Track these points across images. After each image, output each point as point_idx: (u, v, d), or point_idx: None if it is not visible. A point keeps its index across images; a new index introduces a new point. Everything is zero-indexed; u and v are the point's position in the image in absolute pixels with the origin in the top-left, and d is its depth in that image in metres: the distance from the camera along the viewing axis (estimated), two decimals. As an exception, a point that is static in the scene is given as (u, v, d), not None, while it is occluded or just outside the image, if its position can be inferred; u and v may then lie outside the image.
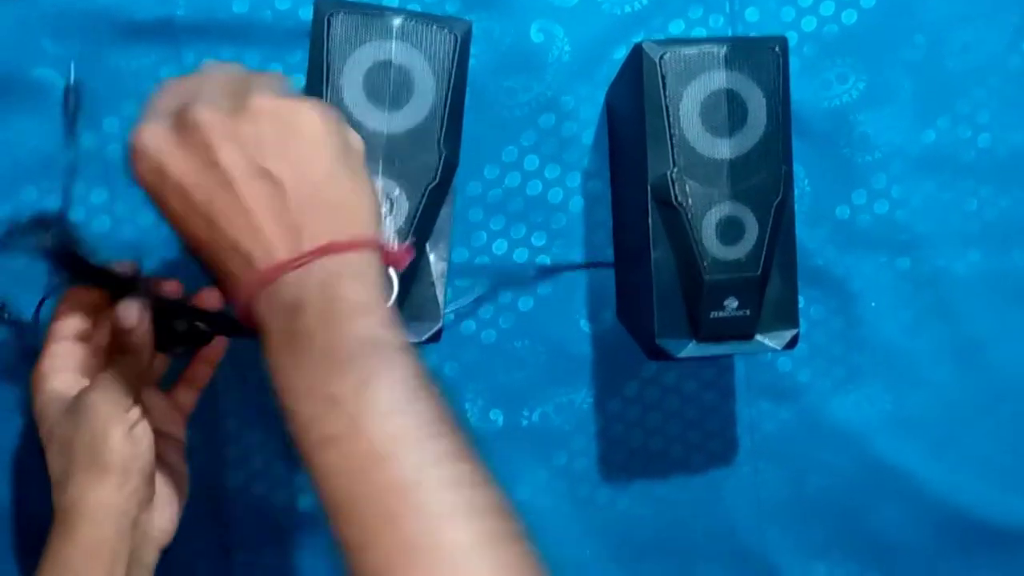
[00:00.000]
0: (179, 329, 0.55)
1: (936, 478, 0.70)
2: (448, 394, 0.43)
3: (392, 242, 0.49)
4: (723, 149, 0.57)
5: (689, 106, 0.56)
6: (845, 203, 0.68)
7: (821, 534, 0.71)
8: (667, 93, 0.56)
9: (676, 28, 0.67)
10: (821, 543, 0.71)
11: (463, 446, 0.42)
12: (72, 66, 0.61)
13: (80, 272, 0.52)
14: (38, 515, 0.61)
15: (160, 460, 0.54)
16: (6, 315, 0.61)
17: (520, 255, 0.67)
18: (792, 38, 0.67)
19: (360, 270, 0.44)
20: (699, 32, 0.67)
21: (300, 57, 0.64)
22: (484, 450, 0.42)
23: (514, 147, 0.66)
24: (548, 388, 0.68)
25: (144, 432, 0.52)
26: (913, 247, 0.69)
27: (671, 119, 0.56)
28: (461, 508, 0.40)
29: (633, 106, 0.59)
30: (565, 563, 0.68)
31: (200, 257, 0.45)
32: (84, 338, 0.56)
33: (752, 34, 0.67)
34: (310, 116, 0.44)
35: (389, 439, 0.40)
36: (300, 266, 0.42)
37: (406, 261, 0.48)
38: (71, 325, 0.55)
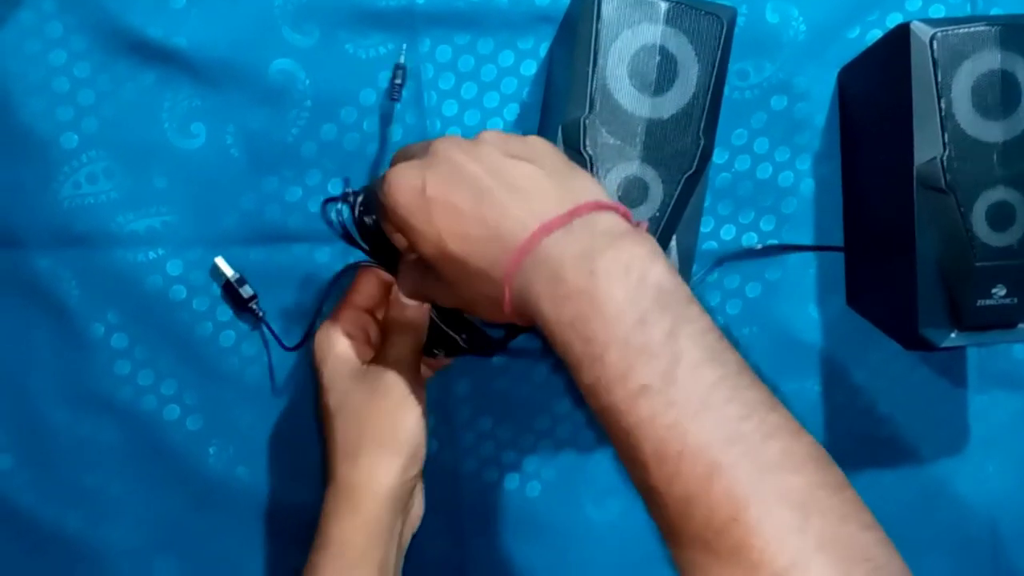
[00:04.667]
0: (443, 331, 0.56)
1: None
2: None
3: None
4: (995, 132, 0.55)
5: (961, 88, 0.55)
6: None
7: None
8: (938, 75, 0.54)
9: (913, 6, 0.65)
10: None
11: (770, 395, 0.41)
12: (404, 48, 0.62)
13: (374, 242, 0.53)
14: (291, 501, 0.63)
15: None
16: (260, 311, 0.62)
17: (748, 240, 0.66)
18: (1035, 12, 0.64)
19: (631, 227, 0.44)
20: (937, 10, 0.65)
21: (532, 44, 0.63)
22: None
23: (744, 130, 0.65)
24: (776, 376, 0.67)
25: (425, 418, 0.54)
26: None
27: (942, 101, 0.55)
28: (788, 456, 0.39)
29: (891, 87, 0.57)
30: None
31: (463, 259, 0.45)
32: (375, 311, 0.58)
33: (993, 10, 0.65)
34: (537, 137, 0.48)
35: (706, 389, 0.39)
36: (572, 220, 0.43)
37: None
38: (365, 296, 0.57)
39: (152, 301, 0.62)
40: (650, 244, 0.43)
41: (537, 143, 0.47)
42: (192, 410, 0.63)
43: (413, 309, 0.53)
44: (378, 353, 0.55)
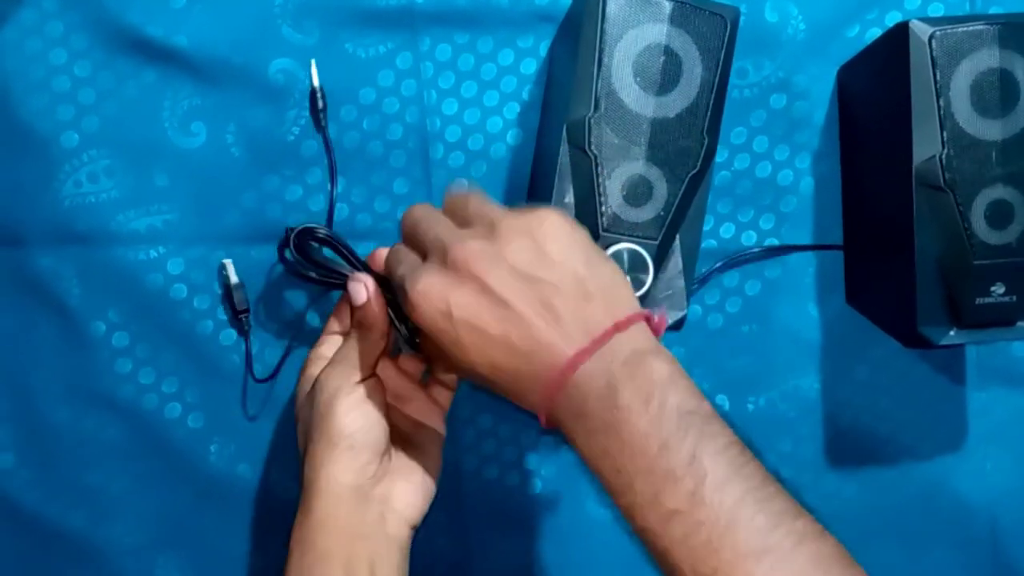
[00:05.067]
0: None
1: None
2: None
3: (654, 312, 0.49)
4: (993, 130, 0.55)
5: (959, 86, 0.55)
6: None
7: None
8: (937, 73, 0.55)
9: (912, 5, 0.65)
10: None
11: (793, 502, 0.43)
12: (314, 64, 0.61)
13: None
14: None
15: (417, 446, 0.56)
16: (247, 325, 0.62)
17: (748, 238, 0.66)
18: (1033, 11, 0.64)
19: (651, 344, 0.46)
20: (936, 8, 0.65)
21: (532, 42, 0.63)
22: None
23: (743, 128, 0.65)
24: (775, 374, 0.67)
25: (373, 407, 0.53)
26: None
27: (941, 100, 0.55)
28: (818, 559, 0.41)
29: (890, 86, 0.58)
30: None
31: (496, 382, 0.46)
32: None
33: (992, 8, 0.65)
34: (552, 218, 0.47)
35: (733, 504, 0.41)
36: (596, 351, 0.44)
37: (663, 329, 0.49)
38: (342, 322, 0.58)
39: (153, 299, 0.62)
40: (668, 364, 0.45)
41: (560, 237, 0.46)
42: (193, 408, 0.63)
43: (366, 309, 0.53)
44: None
